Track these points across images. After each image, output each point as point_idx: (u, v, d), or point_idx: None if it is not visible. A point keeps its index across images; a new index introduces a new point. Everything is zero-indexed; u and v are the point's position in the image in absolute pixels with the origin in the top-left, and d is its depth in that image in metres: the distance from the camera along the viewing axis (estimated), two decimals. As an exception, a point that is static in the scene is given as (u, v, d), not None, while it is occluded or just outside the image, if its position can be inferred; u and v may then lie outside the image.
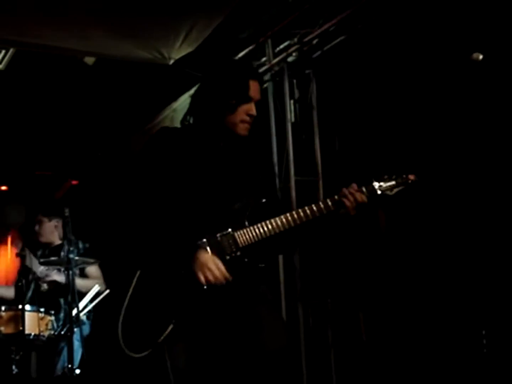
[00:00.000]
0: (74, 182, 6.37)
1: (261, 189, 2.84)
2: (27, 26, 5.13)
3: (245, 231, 2.71)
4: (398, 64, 4.89)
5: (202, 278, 2.65)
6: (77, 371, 5.23)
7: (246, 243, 2.70)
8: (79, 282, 5.64)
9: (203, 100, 2.82)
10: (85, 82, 6.45)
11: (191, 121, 2.88)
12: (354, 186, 2.71)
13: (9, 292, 5.83)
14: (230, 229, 2.72)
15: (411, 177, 2.71)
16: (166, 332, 2.64)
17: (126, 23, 5.18)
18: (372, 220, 5.08)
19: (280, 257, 5.52)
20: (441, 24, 4.54)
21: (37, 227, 6.04)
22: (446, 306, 4.53)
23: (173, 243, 2.69)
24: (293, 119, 5.72)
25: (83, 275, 5.89)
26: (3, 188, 7.75)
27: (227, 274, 2.66)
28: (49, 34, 5.23)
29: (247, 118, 2.76)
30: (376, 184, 2.71)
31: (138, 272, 2.75)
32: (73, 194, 5.80)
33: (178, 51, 5.54)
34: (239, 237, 2.71)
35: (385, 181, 2.71)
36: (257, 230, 2.70)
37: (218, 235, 2.71)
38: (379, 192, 2.71)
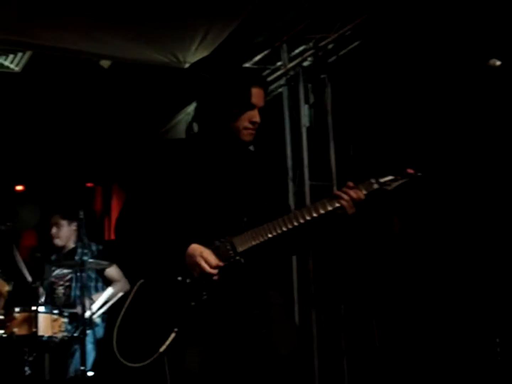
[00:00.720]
0: (88, 185, 6.41)
1: (268, 193, 2.83)
2: (43, 29, 5.16)
3: (243, 236, 2.69)
4: (414, 69, 4.87)
5: (196, 270, 2.65)
6: (90, 374, 5.24)
7: (245, 247, 2.68)
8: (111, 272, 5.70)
9: (206, 107, 2.82)
10: (101, 85, 6.47)
11: (196, 128, 2.89)
12: (349, 184, 2.69)
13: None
14: (228, 235, 2.71)
15: (409, 170, 2.68)
16: (168, 341, 2.62)
17: (142, 26, 5.20)
18: (386, 226, 5.06)
19: (294, 262, 5.51)
20: (456, 29, 4.52)
21: (54, 230, 5.99)
22: (460, 313, 4.51)
23: (171, 251, 2.69)
24: (308, 124, 5.71)
25: (103, 277, 5.91)
26: (19, 188, 7.82)
27: (216, 260, 2.65)
28: (65, 37, 5.26)
29: (250, 125, 2.75)
30: (373, 180, 2.67)
31: (140, 281, 2.76)
32: (88, 197, 5.84)
33: (193, 55, 5.55)
34: (237, 242, 2.69)
35: (382, 176, 2.68)
36: (255, 234, 2.69)
37: (216, 241, 2.71)
38: (376, 186, 2.66)
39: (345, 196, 2.64)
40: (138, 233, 2.80)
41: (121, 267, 5.39)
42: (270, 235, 2.68)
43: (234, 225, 2.73)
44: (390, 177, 2.68)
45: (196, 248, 2.67)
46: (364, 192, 2.65)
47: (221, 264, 2.66)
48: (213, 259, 2.66)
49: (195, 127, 2.90)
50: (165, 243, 2.72)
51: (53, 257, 6.02)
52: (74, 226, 5.97)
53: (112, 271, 5.93)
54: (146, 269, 2.77)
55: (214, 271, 2.65)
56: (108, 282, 5.92)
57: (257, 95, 2.74)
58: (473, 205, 4.47)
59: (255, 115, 2.74)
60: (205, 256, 2.65)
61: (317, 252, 5.49)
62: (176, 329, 2.63)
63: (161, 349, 2.61)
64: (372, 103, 5.29)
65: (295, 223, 2.66)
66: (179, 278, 2.69)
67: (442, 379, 4.54)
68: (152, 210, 2.79)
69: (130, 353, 2.67)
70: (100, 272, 5.90)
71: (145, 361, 2.63)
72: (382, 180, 2.67)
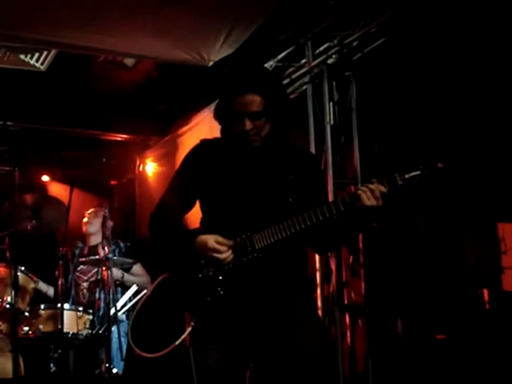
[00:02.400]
0: (113, 182, 6.45)
1: (296, 191, 2.81)
2: (68, 27, 5.19)
3: (263, 232, 2.70)
4: (439, 66, 4.83)
5: (212, 262, 2.67)
6: (114, 370, 5.27)
7: (263, 244, 2.69)
8: (130, 278, 5.74)
9: (215, 114, 2.89)
10: (124, 83, 6.49)
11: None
12: (373, 180, 2.66)
13: (51, 290, 5.90)
14: (249, 232, 2.72)
15: (440, 165, 2.64)
16: (184, 335, 2.66)
17: (166, 25, 5.20)
18: (411, 226, 5.03)
19: (317, 261, 5.49)
20: (482, 26, 4.47)
21: (90, 215, 6.10)
22: (485, 310, 4.47)
23: (190, 246, 2.73)
24: (332, 122, 5.68)
25: (130, 273, 5.95)
26: (45, 178, 7.87)
27: (223, 244, 2.67)
28: (90, 35, 5.28)
29: (244, 133, 2.76)
30: (397, 176, 2.63)
31: (162, 275, 2.80)
32: (111, 195, 5.87)
33: (218, 53, 5.54)
34: (256, 239, 2.70)
35: (407, 172, 2.65)
36: (274, 231, 2.69)
37: (237, 238, 2.72)
38: (400, 182, 2.62)
39: (363, 187, 2.63)
40: (164, 228, 2.87)
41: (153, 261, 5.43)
42: (288, 232, 2.68)
43: (254, 222, 2.73)
44: (416, 172, 2.65)
45: (202, 240, 2.70)
46: (387, 187, 2.62)
47: (230, 243, 2.69)
48: (221, 246, 2.68)
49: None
50: (187, 238, 2.76)
51: (77, 251, 6.05)
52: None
53: (138, 268, 5.98)
54: (169, 263, 2.81)
55: (227, 255, 2.68)
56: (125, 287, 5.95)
57: (242, 103, 2.72)
58: (499, 204, 4.43)
59: (242, 124, 2.74)
60: (211, 247, 2.67)
61: (340, 251, 5.47)
62: (192, 323, 2.67)
63: (177, 342, 2.66)
64: (396, 100, 5.26)
65: (314, 220, 2.65)
66: (198, 271, 2.72)
67: (468, 377, 4.50)
68: (181, 207, 2.86)
69: (146, 343, 2.72)
70: (126, 269, 5.93)
71: (159, 352, 2.67)
72: (407, 175, 2.65)
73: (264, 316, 2.72)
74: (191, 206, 2.89)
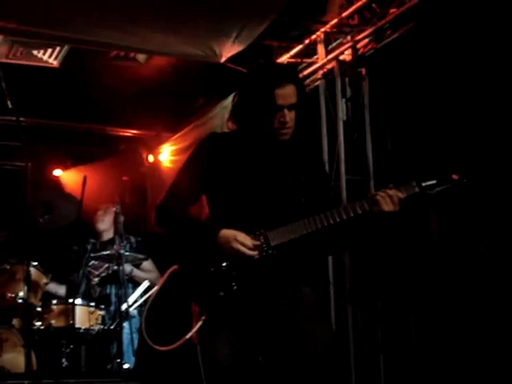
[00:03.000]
0: (125, 179, 6.46)
1: (310, 190, 2.81)
2: (81, 23, 5.19)
3: (278, 230, 2.70)
4: (452, 63, 4.80)
5: (235, 255, 2.66)
6: (126, 365, 5.28)
7: (278, 242, 2.69)
8: (139, 274, 5.74)
9: (240, 109, 2.83)
10: (136, 78, 6.50)
11: (234, 126, 2.89)
12: (390, 186, 2.67)
13: (61, 289, 5.92)
14: (263, 229, 2.72)
15: (455, 177, 2.64)
16: (195, 329, 2.66)
17: (179, 20, 5.20)
18: (424, 223, 5.00)
19: (330, 258, 5.48)
20: (496, 23, 4.44)
21: (101, 212, 6.13)
22: (498, 308, 4.44)
23: (204, 239, 2.72)
24: (344, 118, 5.66)
25: (140, 269, 5.96)
26: (58, 174, 7.91)
27: (251, 240, 2.67)
28: (103, 31, 5.28)
29: (281, 126, 2.74)
30: (414, 183, 2.65)
31: (173, 267, 2.79)
32: (125, 190, 5.88)
33: (230, 49, 5.53)
34: (271, 236, 2.70)
35: (425, 180, 2.65)
36: (290, 230, 2.69)
37: (251, 234, 2.72)
38: (417, 190, 2.64)
39: (381, 193, 2.64)
40: (175, 220, 2.85)
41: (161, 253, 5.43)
42: (304, 231, 2.68)
43: (270, 219, 2.73)
44: (433, 181, 2.65)
45: (228, 233, 2.68)
46: (405, 194, 2.64)
47: (257, 243, 2.68)
48: (248, 240, 2.68)
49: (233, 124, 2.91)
50: (200, 231, 2.76)
51: (89, 246, 6.08)
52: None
53: (148, 264, 5.98)
54: (180, 256, 2.80)
55: (254, 253, 2.67)
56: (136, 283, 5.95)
57: (282, 95, 2.70)
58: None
59: (282, 116, 2.71)
60: (241, 240, 2.67)
61: (343, 249, 5.44)
62: (203, 317, 2.66)
63: (187, 336, 2.66)
64: (409, 97, 5.23)
65: (331, 221, 2.66)
66: (211, 264, 2.71)
67: (480, 374, 4.48)
68: (188, 200, 2.84)
69: (158, 337, 2.72)
70: (137, 265, 5.94)
71: (171, 346, 2.67)
72: (424, 184, 2.65)
73: (276, 312, 2.72)
74: (197, 200, 2.87)
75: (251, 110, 2.76)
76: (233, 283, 2.69)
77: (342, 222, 2.65)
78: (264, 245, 2.69)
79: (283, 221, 2.71)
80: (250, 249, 2.67)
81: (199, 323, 2.67)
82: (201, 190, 2.85)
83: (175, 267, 2.79)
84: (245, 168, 2.80)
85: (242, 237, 2.68)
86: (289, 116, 2.72)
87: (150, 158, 8.10)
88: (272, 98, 2.69)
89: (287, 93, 2.71)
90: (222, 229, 2.70)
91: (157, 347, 2.70)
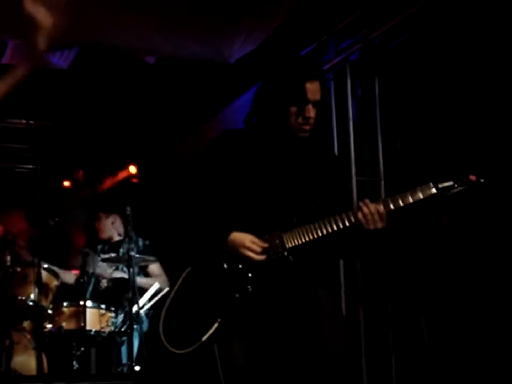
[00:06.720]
0: (134, 180, 6.46)
1: (325, 190, 2.79)
2: (90, 25, 5.20)
3: (293, 232, 2.68)
4: (464, 63, 4.77)
5: (243, 260, 2.65)
6: (136, 368, 5.28)
7: (293, 244, 2.67)
8: (141, 280, 5.72)
9: (262, 101, 2.79)
10: (146, 81, 6.50)
11: (254, 120, 2.86)
12: (366, 201, 2.64)
13: (70, 277, 5.93)
14: (278, 230, 2.70)
15: (472, 177, 2.61)
16: (211, 331, 2.64)
17: (188, 22, 5.20)
18: (435, 222, 4.97)
19: (340, 260, 5.46)
20: (508, 22, 4.41)
21: (96, 223, 6.15)
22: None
23: (219, 240, 2.70)
24: (355, 119, 5.64)
25: (146, 273, 5.95)
26: (68, 177, 7.91)
27: (258, 244, 2.65)
28: (113, 33, 5.29)
29: (304, 121, 2.71)
30: (431, 184, 2.62)
31: (187, 270, 2.77)
32: (134, 192, 5.87)
33: (239, 50, 5.53)
34: (286, 238, 2.68)
35: (442, 181, 2.62)
36: (304, 232, 2.66)
37: (266, 235, 2.69)
38: (434, 191, 2.61)
39: (364, 208, 2.60)
40: (186, 219, 2.81)
41: (167, 257, 5.43)
42: (320, 234, 2.65)
43: (285, 220, 2.71)
44: (450, 183, 2.62)
45: (236, 239, 2.67)
46: (421, 196, 2.60)
47: (265, 245, 2.66)
48: (256, 246, 2.66)
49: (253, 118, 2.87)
50: (214, 231, 2.73)
51: (99, 247, 6.10)
52: (112, 219, 6.09)
53: (155, 268, 5.97)
54: (193, 257, 2.78)
55: (262, 257, 2.66)
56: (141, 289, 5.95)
57: (312, 89, 2.68)
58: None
59: (308, 110, 2.69)
60: (248, 246, 2.65)
61: (357, 255, 5.41)
62: (219, 319, 2.65)
63: (204, 338, 2.64)
64: (420, 97, 5.20)
65: (341, 226, 2.64)
66: (225, 266, 2.70)
67: (492, 376, 4.45)
68: (203, 198, 2.80)
69: (175, 339, 2.70)
70: (142, 267, 5.94)
71: (188, 349, 2.65)
72: (441, 185, 2.62)
73: (291, 314, 2.71)
74: (209, 199, 2.82)
75: (277, 102, 2.71)
76: (249, 285, 2.68)
77: (352, 225, 2.64)
78: (279, 247, 2.68)
79: (298, 222, 2.69)
80: (258, 253, 2.65)
81: (215, 325, 2.65)
82: (214, 189, 2.81)
83: (189, 269, 2.77)
84: (260, 166, 2.78)
85: (250, 242, 2.66)
86: (314, 112, 2.71)
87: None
88: (303, 91, 2.66)
89: (315, 89, 2.69)
90: (232, 234, 2.68)
91: (174, 350, 2.68)
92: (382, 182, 5.51)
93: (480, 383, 4.53)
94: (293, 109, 2.68)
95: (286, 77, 2.71)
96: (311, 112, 2.69)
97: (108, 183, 7.79)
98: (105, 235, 6.16)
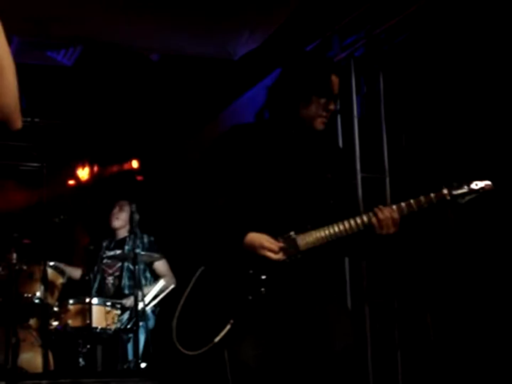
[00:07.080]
0: (139, 178, 6.46)
1: (337, 190, 2.79)
2: (95, 23, 5.20)
3: (306, 234, 2.68)
4: (469, 60, 4.75)
5: (262, 260, 2.64)
6: (142, 365, 5.29)
7: (307, 246, 2.67)
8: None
9: (281, 93, 2.77)
10: (151, 78, 6.50)
11: (266, 115, 2.85)
12: (379, 207, 2.67)
13: (77, 273, 5.94)
14: (292, 232, 2.69)
15: (487, 186, 2.62)
16: (223, 332, 2.64)
17: (192, 19, 5.20)
18: (441, 219, 4.96)
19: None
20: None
21: (116, 210, 6.10)
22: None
23: (234, 241, 2.70)
24: (359, 115, 5.63)
25: (151, 270, 5.95)
26: (74, 174, 7.92)
27: (276, 244, 2.65)
28: (117, 31, 5.29)
29: (325, 113, 2.72)
30: (445, 191, 2.63)
31: (201, 269, 2.76)
32: (139, 190, 5.87)
33: (243, 47, 5.52)
34: (300, 241, 2.68)
35: (456, 188, 2.63)
36: (318, 234, 2.67)
37: (280, 237, 2.69)
38: (448, 198, 2.63)
39: (379, 214, 2.63)
40: (203, 220, 2.81)
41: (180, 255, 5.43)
42: (334, 237, 2.67)
43: (298, 221, 2.71)
44: (464, 190, 2.63)
45: (254, 239, 2.66)
46: (435, 202, 2.62)
47: (282, 245, 2.66)
48: (274, 246, 2.66)
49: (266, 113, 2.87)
50: (229, 231, 2.73)
51: (104, 244, 6.08)
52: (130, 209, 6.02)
53: (161, 265, 5.96)
54: (207, 257, 2.77)
55: (280, 256, 2.66)
56: (155, 276, 5.96)
57: (336, 83, 2.73)
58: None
59: (331, 103, 2.72)
60: (267, 246, 2.65)
61: (370, 257, 5.42)
62: (232, 321, 2.64)
63: (216, 339, 2.64)
64: (425, 93, 5.19)
65: (355, 230, 2.66)
66: (240, 268, 2.70)
67: (498, 372, 4.44)
68: (216, 196, 2.79)
69: (187, 341, 2.70)
70: (149, 263, 5.94)
71: (199, 350, 2.65)
72: (455, 192, 2.63)
73: (303, 314, 2.72)
74: (221, 197, 2.81)
75: (302, 92, 2.70)
76: (262, 288, 2.67)
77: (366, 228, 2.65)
78: (293, 250, 2.68)
79: (312, 225, 2.69)
80: (276, 253, 2.65)
81: (227, 327, 2.65)
82: (226, 187, 2.79)
83: (203, 269, 2.76)
84: (273, 163, 2.75)
85: (268, 242, 2.66)
86: (334, 106, 2.74)
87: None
88: (329, 83, 2.70)
89: (337, 83, 2.75)
90: (248, 234, 2.67)
91: (187, 352, 2.68)
92: (387, 179, 5.50)
93: (485, 380, 4.53)
94: (321, 100, 2.70)
95: (313, 68, 2.73)
96: (332, 105, 2.74)
97: (110, 171, 7.77)
98: (121, 224, 6.10)
